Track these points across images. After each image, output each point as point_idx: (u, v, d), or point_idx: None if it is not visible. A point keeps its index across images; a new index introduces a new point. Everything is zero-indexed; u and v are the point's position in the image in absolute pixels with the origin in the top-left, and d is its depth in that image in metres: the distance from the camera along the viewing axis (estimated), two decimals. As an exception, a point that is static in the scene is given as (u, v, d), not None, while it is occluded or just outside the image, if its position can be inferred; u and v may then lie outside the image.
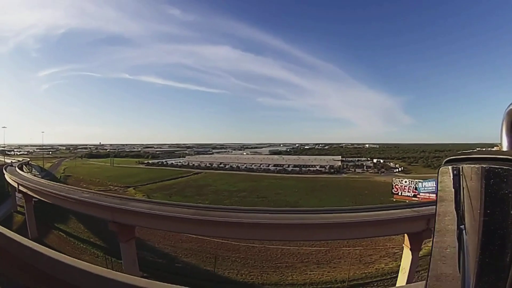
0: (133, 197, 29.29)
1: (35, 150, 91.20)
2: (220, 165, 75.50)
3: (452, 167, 1.04)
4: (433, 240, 1.09)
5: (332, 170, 66.77)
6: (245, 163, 76.95)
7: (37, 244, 2.83)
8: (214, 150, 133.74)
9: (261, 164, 75.99)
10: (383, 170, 69.05)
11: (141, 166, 75.37)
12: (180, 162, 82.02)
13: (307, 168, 68.84)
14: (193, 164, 76.97)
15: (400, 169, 70.48)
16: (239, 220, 15.95)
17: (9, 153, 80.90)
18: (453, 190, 1.05)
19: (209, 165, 75.92)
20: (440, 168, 1.08)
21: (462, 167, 1.01)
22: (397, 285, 19.35)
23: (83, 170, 62.86)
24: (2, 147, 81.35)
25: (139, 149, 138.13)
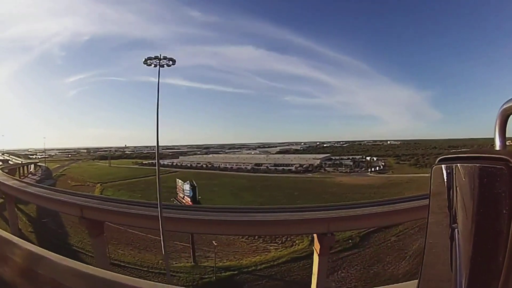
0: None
1: (57, 153, 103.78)
2: (206, 165, 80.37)
3: (445, 166, 1.04)
4: (425, 239, 1.09)
5: (302, 169, 67.90)
6: (229, 163, 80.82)
7: (39, 248, 2.85)
8: (228, 150, 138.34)
9: (243, 163, 79.18)
10: (357, 169, 68.45)
11: (134, 166, 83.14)
12: (172, 162, 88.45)
13: (282, 168, 70.77)
14: (181, 164, 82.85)
15: (380, 168, 69.34)
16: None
17: (31, 156, 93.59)
18: (446, 189, 1.04)
19: (194, 165, 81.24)
20: (433, 167, 1.08)
21: (455, 166, 1.00)
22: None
23: (80, 170, 71.63)
24: (27, 151, 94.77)
25: (159, 150, 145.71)
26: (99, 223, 25.34)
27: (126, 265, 26.86)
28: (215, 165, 78.64)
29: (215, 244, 27.74)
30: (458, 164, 0.99)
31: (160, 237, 21.68)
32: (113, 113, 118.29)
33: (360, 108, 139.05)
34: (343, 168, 68.99)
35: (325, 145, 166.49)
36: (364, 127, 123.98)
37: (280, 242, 30.14)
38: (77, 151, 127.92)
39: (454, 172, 1.00)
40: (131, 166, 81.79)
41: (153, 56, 27.74)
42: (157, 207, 21.76)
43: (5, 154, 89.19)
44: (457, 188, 0.99)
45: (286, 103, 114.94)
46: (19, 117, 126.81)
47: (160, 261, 26.01)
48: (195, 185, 40.02)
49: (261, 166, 74.42)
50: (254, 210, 28.00)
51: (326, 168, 68.91)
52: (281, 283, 25.38)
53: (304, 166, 70.04)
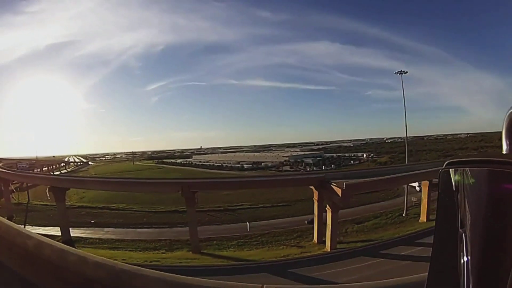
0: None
1: (122, 156, 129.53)
2: (207, 164, 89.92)
3: (454, 170, 1.06)
4: (434, 242, 1.11)
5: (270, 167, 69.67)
6: (222, 161, 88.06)
7: (43, 237, 2.95)
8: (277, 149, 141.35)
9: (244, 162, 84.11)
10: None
11: (149, 164, 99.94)
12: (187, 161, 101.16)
13: (252, 165, 73.97)
14: (189, 163, 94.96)
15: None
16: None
17: (96, 158, 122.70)
18: (454, 192, 1.05)
19: (197, 163, 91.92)
20: (441, 171, 1.09)
21: (463, 169, 1.02)
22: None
23: (104, 167, 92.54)
24: (103, 155, 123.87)
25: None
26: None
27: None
28: (215, 164, 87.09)
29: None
30: (467, 168, 1.01)
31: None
32: (194, 116, 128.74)
33: (443, 99, 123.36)
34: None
35: (388, 141, 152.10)
36: (447, 119, 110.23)
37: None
38: (138, 153, 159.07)
39: (462, 176, 1.03)
40: (147, 164, 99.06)
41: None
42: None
43: (75, 157, 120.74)
44: (465, 191, 1.01)
45: (369, 97, 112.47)
46: (104, 124, 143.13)
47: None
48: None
49: (260, 164, 78.69)
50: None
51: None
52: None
53: (273, 163, 71.39)
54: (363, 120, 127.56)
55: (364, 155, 77.30)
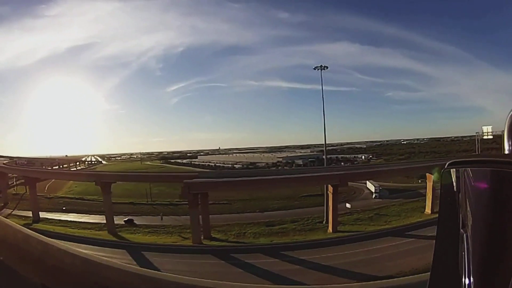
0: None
1: (138, 156, 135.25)
2: (208, 164, 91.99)
3: (455, 170, 1.07)
4: (435, 242, 1.10)
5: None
6: (223, 161, 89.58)
7: (45, 237, 2.96)
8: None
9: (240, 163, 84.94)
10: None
11: (156, 164, 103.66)
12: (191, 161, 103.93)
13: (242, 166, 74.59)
14: (191, 163, 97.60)
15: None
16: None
17: (112, 158, 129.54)
18: (455, 192, 1.07)
19: (199, 163, 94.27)
20: (443, 171, 1.09)
21: (465, 170, 1.03)
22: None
23: (112, 168, 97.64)
24: (120, 155, 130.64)
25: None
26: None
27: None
28: (216, 165, 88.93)
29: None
30: (468, 168, 1.03)
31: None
32: (214, 117, 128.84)
33: (464, 99, 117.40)
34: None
35: (403, 142, 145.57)
36: (466, 119, 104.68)
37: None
38: (150, 154, 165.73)
39: (464, 176, 1.04)
40: (154, 164, 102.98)
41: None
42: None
43: (93, 156, 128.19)
44: (467, 191, 1.03)
45: (389, 98, 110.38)
46: (125, 125, 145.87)
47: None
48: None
49: (255, 165, 79.55)
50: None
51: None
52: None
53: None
54: (381, 121, 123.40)
55: (363, 157, 75.20)
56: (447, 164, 1.03)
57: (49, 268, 2.66)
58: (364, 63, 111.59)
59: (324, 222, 38.94)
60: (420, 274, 2.44)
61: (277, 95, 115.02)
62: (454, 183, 1.04)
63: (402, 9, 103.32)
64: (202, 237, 36.57)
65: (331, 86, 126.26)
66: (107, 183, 43.85)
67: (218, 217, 42.12)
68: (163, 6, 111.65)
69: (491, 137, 66.28)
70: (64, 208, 50.79)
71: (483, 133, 67.57)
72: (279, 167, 68.30)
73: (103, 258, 2.70)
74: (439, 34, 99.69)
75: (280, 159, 73.46)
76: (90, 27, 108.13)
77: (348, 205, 43.07)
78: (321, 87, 54.26)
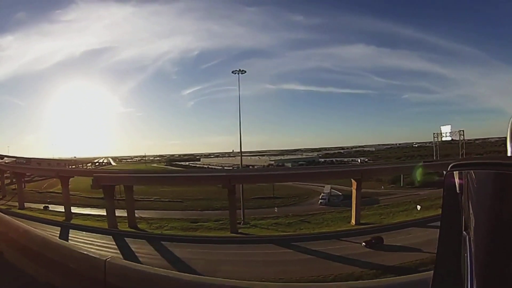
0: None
1: (150, 158, 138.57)
2: (208, 166, 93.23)
3: (458, 172, 1.06)
4: (438, 244, 1.11)
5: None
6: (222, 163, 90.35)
7: (46, 234, 2.99)
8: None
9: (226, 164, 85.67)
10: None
11: (161, 166, 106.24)
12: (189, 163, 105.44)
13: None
14: (190, 165, 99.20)
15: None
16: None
17: (123, 160, 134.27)
18: (458, 195, 1.06)
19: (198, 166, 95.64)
20: (446, 173, 1.09)
21: (468, 172, 1.02)
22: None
23: (120, 166, 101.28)
24: (124, 157, 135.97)
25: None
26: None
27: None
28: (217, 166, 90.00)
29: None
30: (471, 171, 1.02)
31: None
32: (230, 120, 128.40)
33: (481, 101, 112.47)
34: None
35: (414, 145, 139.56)
36: (482, 121, 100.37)
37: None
38: (163, 156, 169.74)
39: (467, 178, 1.03)
40: (158, 166, 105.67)
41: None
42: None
43: (105, 158, 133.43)
44: (470, 194, 1.02)
45: (406, 101, 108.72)
46: (141, 127, 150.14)
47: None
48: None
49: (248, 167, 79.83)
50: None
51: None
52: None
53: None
54: (396, 124, 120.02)
55: (359, 160, 73.24)
56: (450, 166, 1.04)
57: (48, 262, 2.66)
58: (380, 65, 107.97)
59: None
60: (421, 273, 2.47)
61: (294, 98, 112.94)
62: (457, 185, 1.03)
63: (418, 10, 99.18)
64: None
65: (348, 89, 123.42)
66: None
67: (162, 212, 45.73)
68: (179, 11, 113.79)
69: (449, 138, 60.70)
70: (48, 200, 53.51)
71: (441, 134, 62.14)
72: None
73: (102, 253, 2.74)
74: (456, 35, 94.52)
75: (272, 162, 72.83)
76: (106, 32, 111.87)
77: (276, 209, 42.54)
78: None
